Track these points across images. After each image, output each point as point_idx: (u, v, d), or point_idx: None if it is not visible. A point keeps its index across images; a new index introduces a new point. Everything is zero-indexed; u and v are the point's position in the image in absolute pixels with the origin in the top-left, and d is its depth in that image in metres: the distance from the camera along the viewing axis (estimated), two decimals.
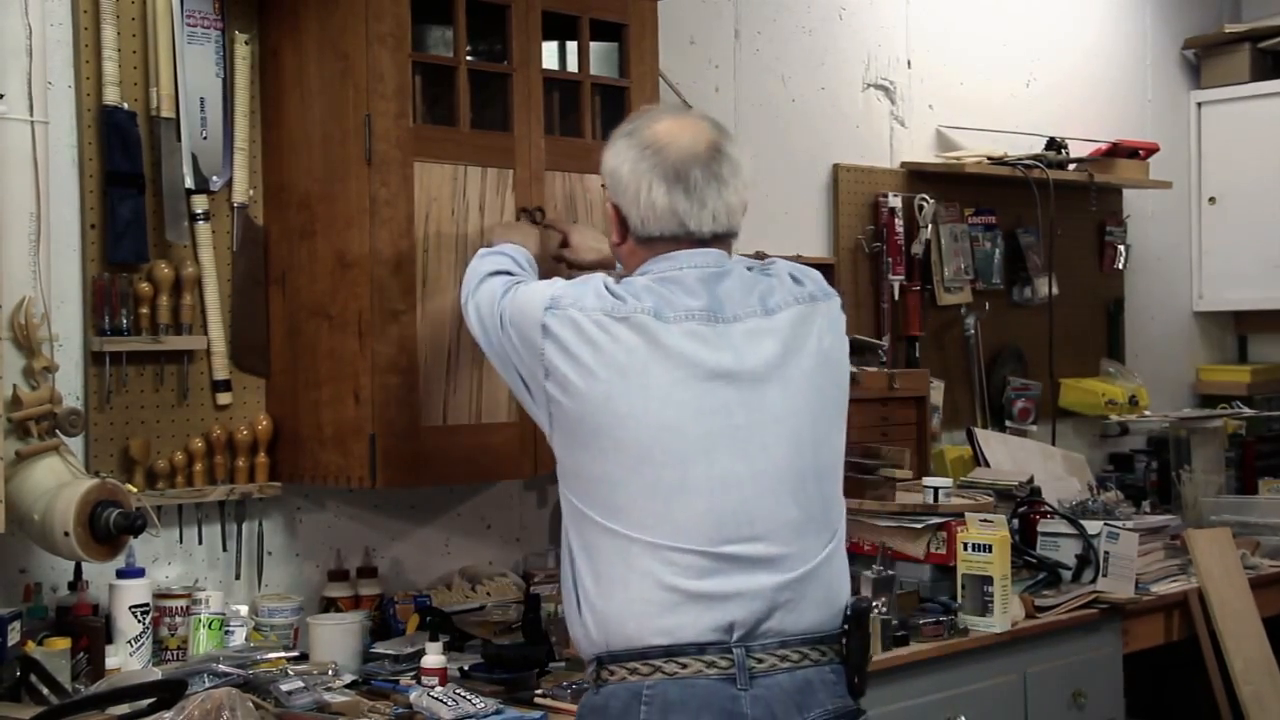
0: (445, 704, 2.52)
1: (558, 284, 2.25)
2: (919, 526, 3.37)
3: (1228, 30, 5.24)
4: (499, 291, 2.36)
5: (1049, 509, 3.71)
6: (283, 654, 2.73)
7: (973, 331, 4.43)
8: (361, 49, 2.78)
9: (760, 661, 2.09)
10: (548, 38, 3.08)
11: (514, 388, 2.32)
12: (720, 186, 2.23)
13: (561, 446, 2.20)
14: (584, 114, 3.10)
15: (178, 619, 2.81)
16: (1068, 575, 3.55)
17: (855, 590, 2.33)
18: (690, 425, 2.12)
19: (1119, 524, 3.61)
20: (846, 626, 2.18)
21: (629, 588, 2.10)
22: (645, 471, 2.11)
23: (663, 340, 2.13)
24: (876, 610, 3.04)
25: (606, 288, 2.19)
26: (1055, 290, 4.56)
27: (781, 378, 2.18)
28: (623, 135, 2.29)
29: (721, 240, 2.26)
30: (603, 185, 2.35)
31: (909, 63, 4.42)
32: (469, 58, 2.93)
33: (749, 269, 2.27)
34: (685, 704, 2.05)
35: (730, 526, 2.11)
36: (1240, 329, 5.47)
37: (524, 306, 2.25)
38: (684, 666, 2.07)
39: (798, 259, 3.66)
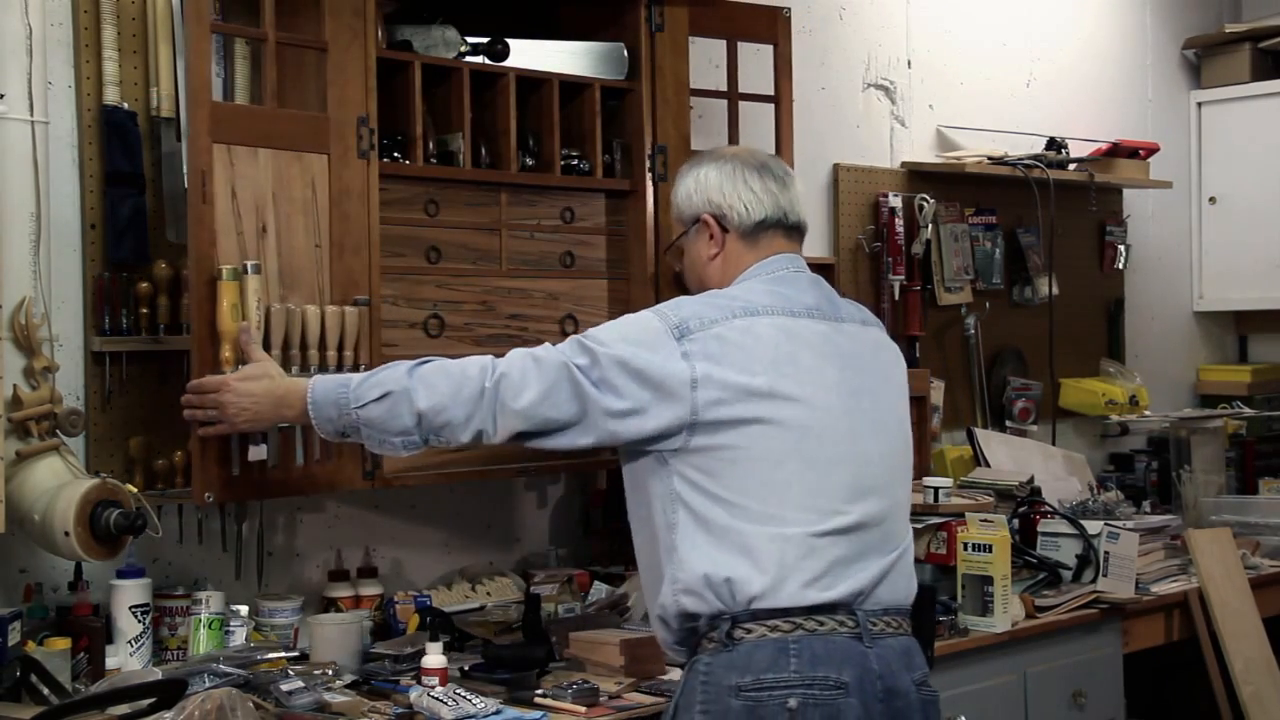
0: (445, 704, 2.52)
1: (662, 314, 2.35)
2: (919, 526, 3.36)
3: (1228, 30, 5.24)
4: (554, 360, 2.33)
5: (1049, 509, 3.71)
6: (283, 654, 2.72)
7: (973, 331, 4.44)
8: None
9: (874, 625, 2.29)
10: None
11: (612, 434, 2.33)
12: (792, 180, 2.52)
13: (706, 441, 2.27)
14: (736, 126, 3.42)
15: (178, 619, 2.81)
16: (1068, 575, 3.55)
17: None
18: (838, 405, 2.33)
19: (1119, 524, 3.62)
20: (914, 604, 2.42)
21: (776, 555, 2.24)
22: (806, 448, 2.28)
23: (798, 332, 2.35)
24: None
25: (713, 300, 2.38)
26: (1055, 290, 4.56)
27: (884, 376, 2.46)
28: (691, 164, 2.56)
29: (801, 235, 2.52)
30: (682, 230, 2.55)
31: (909, 63, 4.42)
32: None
33: None
34: (830, 656, 2.24)
35: (867, 500, 2.33)
36: (1240, 329, 5.47)
37: (635, 350, 2.29)
38: (821, 624, 2.25)
39: None
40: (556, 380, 2.31)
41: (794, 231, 2.50)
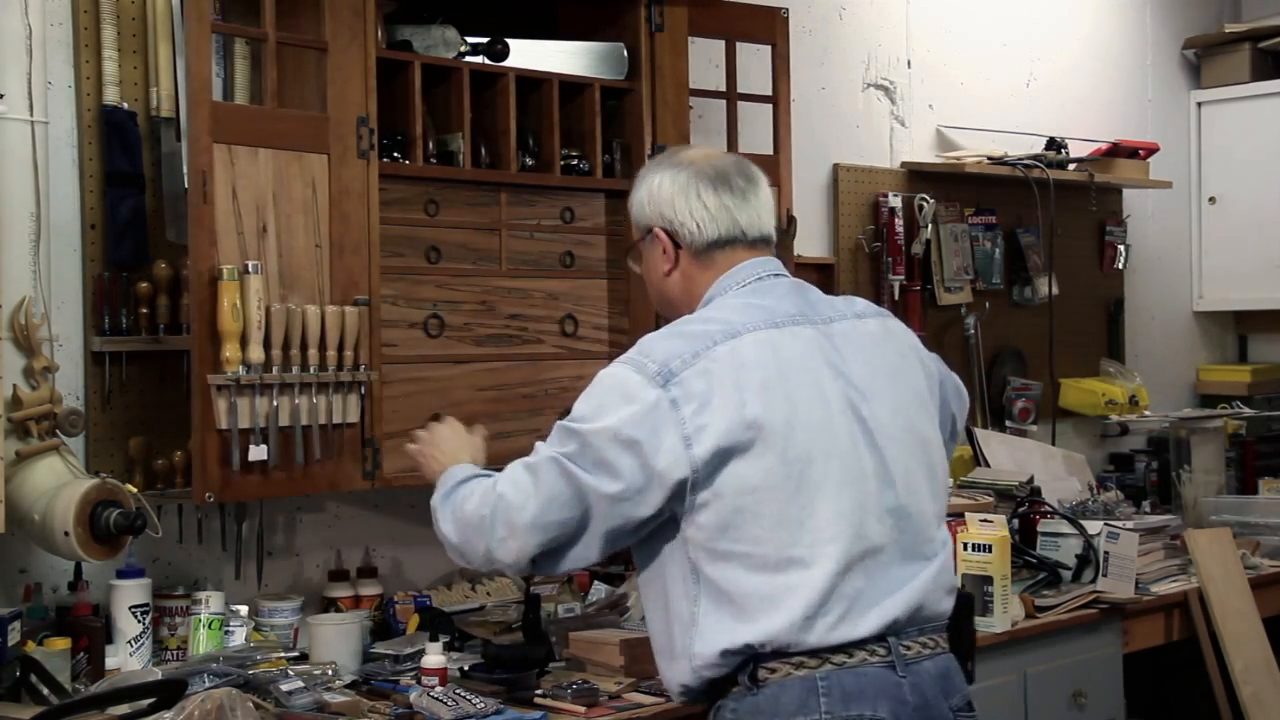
0: (445, 704, 2.52)
1: (637, 364, 2.16)
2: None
3: (1228, 30, 5.24)
4: (544, 468, 2.18)
5: (1049, 509, 3.71)
6: (283, 654, 2.73)
7: (973, 331, 4.43)
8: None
9: (909, 649, 2.16)
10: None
11: (614, 521, 2.17)
12: (756, 189, 2.32)
13: (711, 494, 2.12)
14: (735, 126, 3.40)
15: (177, 619, 2.81)
16: (1068, 575, 3.55)
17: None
18: (839, 420, 2.17)
19: (1119, 524, 3.61)
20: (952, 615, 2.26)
21: (800, 605, 2.09)
22: (813, 475, 2.12)
23: (785, 346, 2.18)
24: None
25: (686, 328, 2.20)
26: (1055, 290, 4.56)
27: (891, 370, 2.27)
28: (650, 168, 2.37)
29: (767, 245, 2.33)
30: (636, 240, 2.38)
31: (909, 63, 4.42)
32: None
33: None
34: (863, 692, 2.10)
35: (886, 517, 2.17)
36: (1240, 329, 5.47)
37: (621, 415, 2.12)
38: (850, 656, 2.12)
39: (798, 259, 3.70)
40: (552, 481, 2.15)
41: (758, 244, 2.32)
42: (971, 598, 2.25)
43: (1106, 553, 3.52)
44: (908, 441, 2.24)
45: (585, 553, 2.20)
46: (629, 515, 2.15)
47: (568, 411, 2.22)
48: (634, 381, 2.14)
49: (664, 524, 2.17)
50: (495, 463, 3.02)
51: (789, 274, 2.34)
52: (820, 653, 2.11)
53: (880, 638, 2.13)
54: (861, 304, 2.37)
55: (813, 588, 2.10)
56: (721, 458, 2.10)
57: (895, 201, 4.20)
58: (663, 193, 2.30)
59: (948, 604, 2.25)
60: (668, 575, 2.19)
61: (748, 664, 2.13)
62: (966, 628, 2.32)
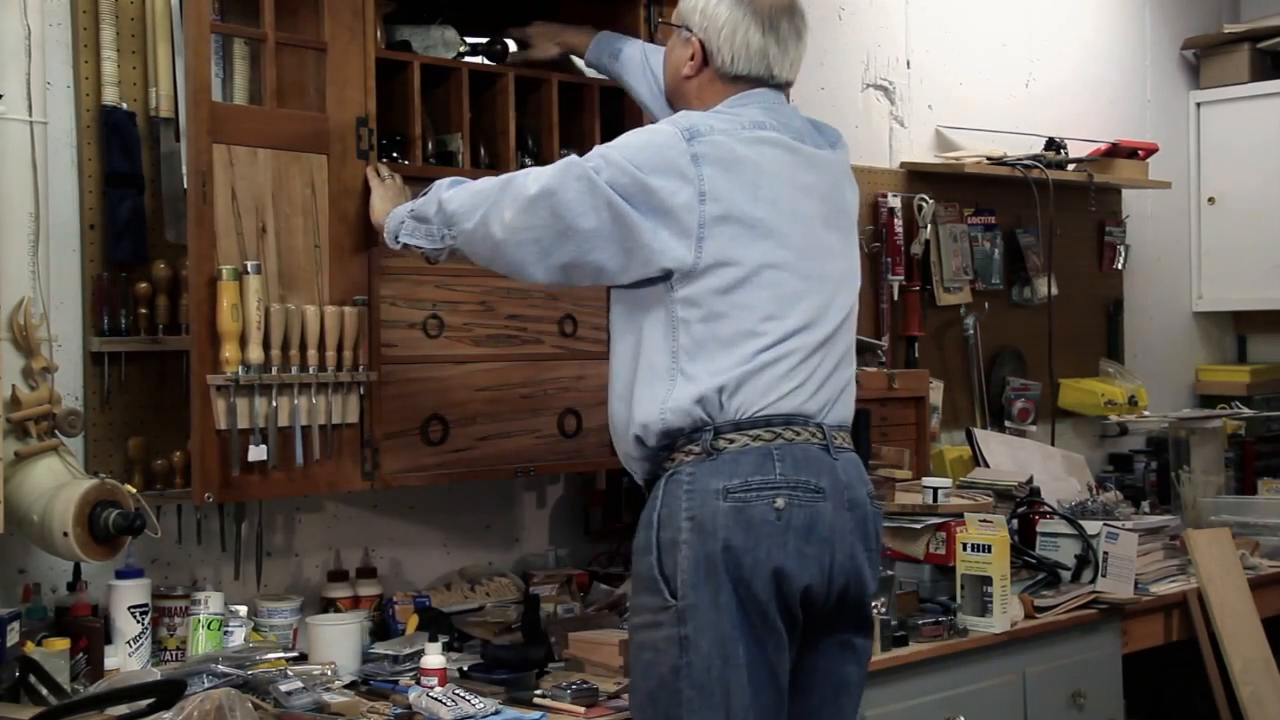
0: (445, 704, 2.52)
1: (672, 120, 2.42)
2: (918, 527, 3.37)
3: (1227, 30, 5.24)
4: (551, 177, 2.41)
5: (1048, 509, 3.71)
6: (282, 654, 2.72)
7: (972, 331, 4.44)
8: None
9: (836, 438, 2.43)
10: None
11: (607, 250, 2.40)
12: (798, 40, 2.54)
13: (702, 261, 2.36)
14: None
15: (177, 619, 2.80)
16: (1067, 575, 3.55)
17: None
18: (815, 213, 2.46)
19: (1118, 524, 3.61)
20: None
21: (753, 368, 2.36)
22: (784, 278, 2.40)
23: (791, 158, 2.44)
24: (876, 610, 3.05)
25: (717, 112, 2.45)
26: (1055, 290, 4.56)
27: (843, 206, 2.57)
28: None
29: (789, 88, 2.57)
30: (674, 25, 2.56)
31: (908, 63, 4.42)
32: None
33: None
34: (809, 463, 2.37)
35: (830, 315, 2.46)
36: (1240, 329, 5.47)
37: (648, 152, 2.36)
38: (798, 434, 2.38)
39: None
40: (565, 177, 2.39)
41: (780, 87, 2.55)
42: (868, 413, 2.77)
43: (1106, 553, 3.53)
44: (851, 257, 2.58)
45: (597, 255, 2.41)
46: (649, 242, 2.36)
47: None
48: (665, 131, 2.40)
49: (660, 288, 2.39)
50: (493, 463, 3.05)
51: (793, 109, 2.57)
52: (773, 425, 2.36)
53: (818, 424, 2.41)
54: (835, 133, 2.63)
55: (778, 357, 2.37)
56: (721, 229, 2.35)
57: (894, 202, 4.20)
58: (718, 14, 2.48)
59: (852, 411, 2.53)
60: (648, 329, 2.42)
61: (708, 432, 2.36)
62: (864, 437, 2.88)
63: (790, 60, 2.52)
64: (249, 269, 2.63)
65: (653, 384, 2.40)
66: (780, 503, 2.32)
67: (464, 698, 2.54)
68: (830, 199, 2.51)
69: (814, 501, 2.35)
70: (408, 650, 2.82)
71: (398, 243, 2.65)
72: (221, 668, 2.56)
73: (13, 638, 2.45)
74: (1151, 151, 4.84)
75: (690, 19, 2.51)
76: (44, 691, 2.45)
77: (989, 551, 3.22)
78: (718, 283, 2.36)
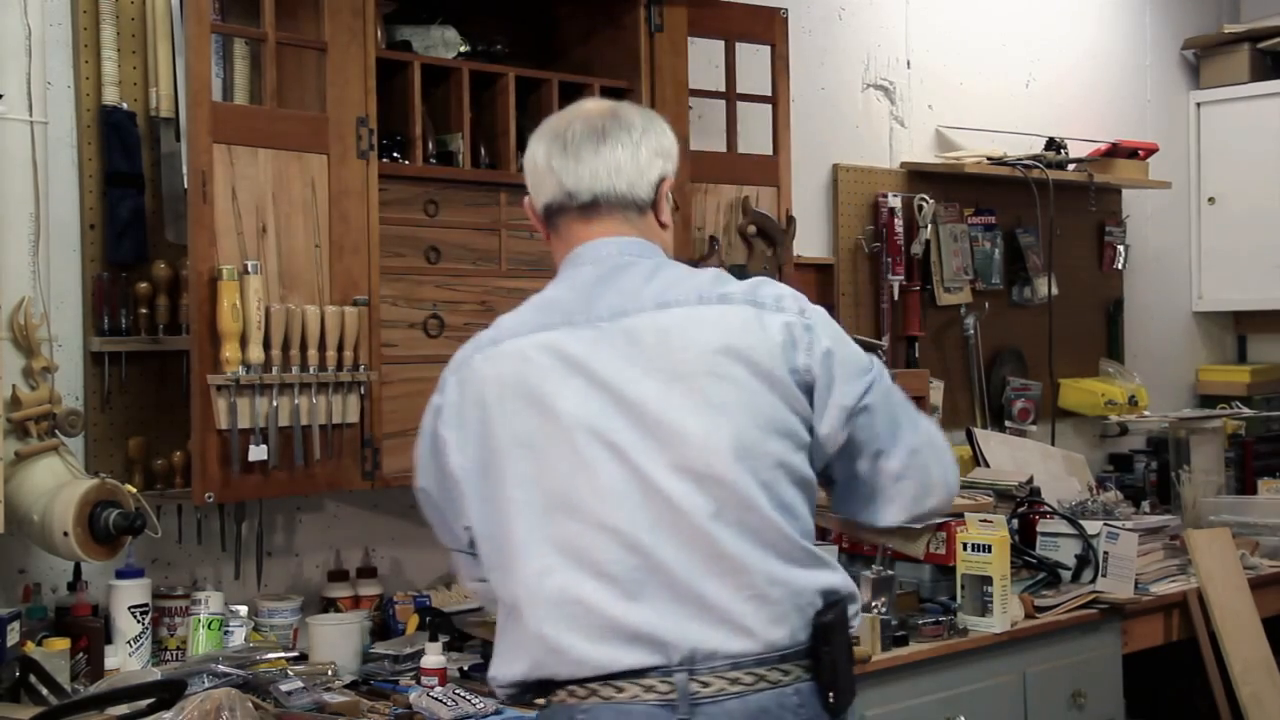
0: (445, 704, 2.52)
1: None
2: (918, 527, 3.36)
3: (1227, 30, 5.23)
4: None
5: (1048, 509, 3.71)
6: (282, 654, 2.73)
7: (972, 331, 4.44)
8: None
9: (706, 685, 1.84)
10: None
11: None
12: (600, 144, 1.98)
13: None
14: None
15: (177, 619, 2.81)
16: (1067, 575, 3.55)
17: (834, 593, 1.93)
18: (581, 444, 1.91)
19: (1118, 524, 3.61)
20: (815, 641, 1.88)
21: (558, 618, 1.87)
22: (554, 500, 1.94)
23: (541, 356, 2.03)
24: (875, 610, 3.05)
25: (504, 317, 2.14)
26: (1055, 290, 4.56)
27: (693, 370, 1.90)
28: None
29: (612, 208, 1.99)
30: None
31: (909, 63, 4.42)
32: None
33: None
34: None
35: (655, 537, 1.86)
36: (1240, 329, 5.47)
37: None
38: (620, 690, 1.84)
39: (798, 259, 3.70)
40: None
41: (591, 210, 1.99)
42: (838, 622, 1.89)
43: (1106, 553, 3.53)
44: (706, 437, 1.87)
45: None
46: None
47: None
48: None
49: None
50: None
51: (631, 250, 2.00)
52: (589, 681, 1.86)
53: (666, 671, 1.84)
54: (729, 285, 1.97)
55: (578, 607, 1.87)
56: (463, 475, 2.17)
57: (895, 202, 4.20)
58: (528, 154, 2.06)
59: (782, 632, 1.88)
60: None
61: (544, 687, 1.91)
62: (826, 655, 1.89)
63: (589, 169, 1.98)
64: (249, 269, 2.63)
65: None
66: None
67: (464, 698, 2.55)
68: (648, 368, 1.91)
69: None
70: (408, 650, 2.82)
71: None
72: (222, 668, 2.56)
73: (13, 638, 2.45)
74: (1151, 151, 4.84)
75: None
76: (44, 691, 2.45)
77: (989, 551, 3.22)
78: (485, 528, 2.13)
